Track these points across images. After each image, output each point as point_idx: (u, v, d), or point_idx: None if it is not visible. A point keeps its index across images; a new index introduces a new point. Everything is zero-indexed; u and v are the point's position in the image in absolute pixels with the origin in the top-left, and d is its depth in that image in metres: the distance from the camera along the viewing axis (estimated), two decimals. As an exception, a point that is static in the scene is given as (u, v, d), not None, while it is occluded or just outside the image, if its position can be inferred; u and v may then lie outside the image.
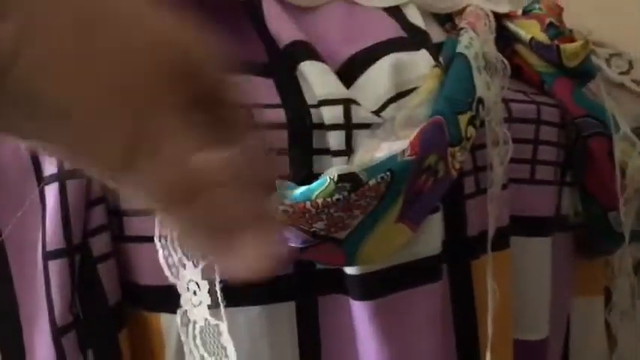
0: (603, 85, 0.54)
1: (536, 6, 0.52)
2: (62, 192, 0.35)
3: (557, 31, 0.51)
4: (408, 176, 0.36)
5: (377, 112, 0.40)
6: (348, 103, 0.38)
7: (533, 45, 0.51)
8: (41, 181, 0.36)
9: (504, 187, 0.46)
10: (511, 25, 0.52)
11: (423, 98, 0.40)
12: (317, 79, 0.39)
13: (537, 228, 0.51)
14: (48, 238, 0.35)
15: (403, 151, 0.35)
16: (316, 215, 0.33)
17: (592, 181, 0.54)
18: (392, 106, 0.40)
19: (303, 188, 0.34)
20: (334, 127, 0.38)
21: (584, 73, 0.52)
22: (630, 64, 1.05)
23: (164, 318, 0.37)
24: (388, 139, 0.38)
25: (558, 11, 0.52)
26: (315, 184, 0.33)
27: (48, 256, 0.35)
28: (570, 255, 0.59)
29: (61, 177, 0.35)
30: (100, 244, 0.37)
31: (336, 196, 0.33)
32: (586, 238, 0.58)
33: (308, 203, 0.33)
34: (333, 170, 0.34)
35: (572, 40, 0.52)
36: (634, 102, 1.07)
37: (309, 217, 0.33)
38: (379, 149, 0.37)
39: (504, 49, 0.53)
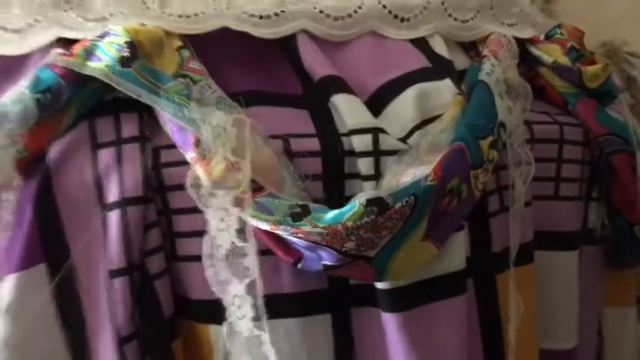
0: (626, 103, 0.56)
1: (558, 30, 0.55)
2: (123, 217, 0.40)
3: (579, 54, 0.53)
4: (431, 199, 0.39)
5: (403, 139, 0.43)
6: (376, 132, 0.42)
7: (556, 68, 0.53)
8: (104, 208, 0.40)
9: (528, 204, 0.49)
10: (534, 50, 0.55)
11: (446, 125, 0.43)
12: (347, 110, 0.43)
13: (564, 242, 0.54)
14: (111, 259, 0.40)
15: (426, 177, 0.39)
16: (347, 236, 0.37)
17: (617, 196, 0.55)
18: (417, 132, 0.43)
19: (335, 212, 0.37)
20: (364, 154, 0.42)
21: (605, 93, 0.54)
22: (665, 74, 1.05)
23: (212, 329, 0.42)
24: (414, 164, 0.41)
25: (579, 35, 0.54)
26: (345, 208, 0.37)
27: (111, 274, 0.40)
28: (599, 267, 0.60)
29: (122, 204, 0.40)
30: (155, 263, 0.41)
31: (365, 219, 0.37)
32: (614, 251, 0.60)
33: (339, 225, 0.37)
34: (362, 195, 0.37)
35: (594, 63, 0.54)
36: (671, 111, 1.07)
37: (340, 238, 0.37)
38: (405, 174, 0.40)
39: (529, 71, 0.55)
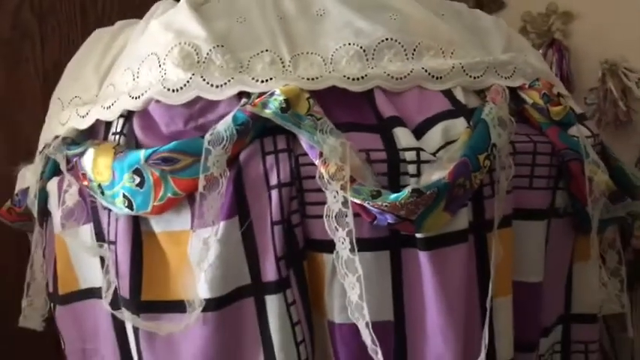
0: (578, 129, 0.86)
1: (537, 83, 0.86)
2: (280, 193, 0.74)
3: (549, 98, 0.85)
4: (447, 190, 0.72)
5: (434, 154, 0.76)
6: (418, 150, 0.75)
7: (534, 106, 0.85)
8: (269, 188, 0.74)
9: (509, 192, 0.81)
10: (522, 94, 0.86)
11: (459, 146, 0.75)
12: (402, 136, 0.76)
13: (535, 215, 0.86)
14: (273, 215, 0.74)
15: (444, 177, 0.72)
16: (400, 208, 0.70)
17: (574, 188, 0.87)
18: (442, 150, 0.76)
19: (395, 194, 0.70)
20: (411, 162, 0.74)
21: (566, 123, 0.85)
22: (654, 86, 1.38)
23: (325, 255, 0.75)
24: (439, 169, 0.74)
25: (550, 86, 0.85)
26: (400, 193, 0.70)
27: (273, 223, 0.74)
28: (567, 234, 0.92)
29: (279, 186, 0.74)
30: (295, 218, 0.75)
31: (410, 199, 0.70)
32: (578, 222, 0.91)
33: (397, 202, 0.70)
34: (409, 187, 0.70)
35: (559, 104, 0.85)
36: (656, 116, 1.40)
37: (397, 208, 0.70)
38: (434, 175, 0.73)
39: (519, 107, 0.87)
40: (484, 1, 1.61)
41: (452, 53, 0.84)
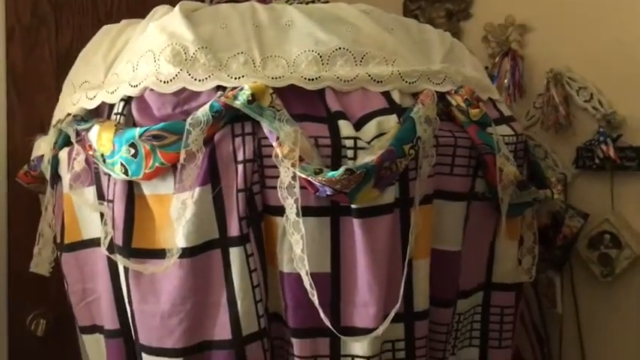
0: (496, 134, 1.06)
1: (461, 89, 1.05)
2: (244, 167, 0.94)
3: (469, 102, 1.04)
4: (374, 171, 0.91)
5: (369, 142, 0.95)
6: (355, 139, 0.94)
7: (458, 108, 1.04)
8: (236, 162, 0.94)
9: (430, 176, 1.00)
10: (449, 97, 1.05)
11: (389, 137, 0.95)
12: (344, 127, 0.95)
13: (454, 197, 1.05)
14: (238, 184, 0.94)
15: (372, 161, 0.91)
16: (336, 183, 0.90)
17: (489, 177, 1.07)
18: (375, 140, 0.95)
19: (332, 172, 0.90)
20: (349, 148, 0.94)
21: (482, 123, 1.05)
22: (591, 95, 1.61)
23: (279, 218, 0.95)
24: (371, 154, 0.94)
25: (471, 93, 1.05)
26: (336, 171, 0.90)
27: (238, 191, 0.94)
28: (486, 215, 1.11)
29: (244, 162, 0.94)
30: (256, 187, 0.95)
31: (344, 176, 0.89)
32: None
33: (333, 178, 0.89)
34: (343, 167, 0.90)
35: (478, 107, 1.05)
36: (592, 121, 1.64)
37: (333, 183, 0.90)
38: (366, 158, 0.93)
39: (448, 107, 1.06)
40: (453, 11, 1.80)
41: (393, 62, 1.03)
